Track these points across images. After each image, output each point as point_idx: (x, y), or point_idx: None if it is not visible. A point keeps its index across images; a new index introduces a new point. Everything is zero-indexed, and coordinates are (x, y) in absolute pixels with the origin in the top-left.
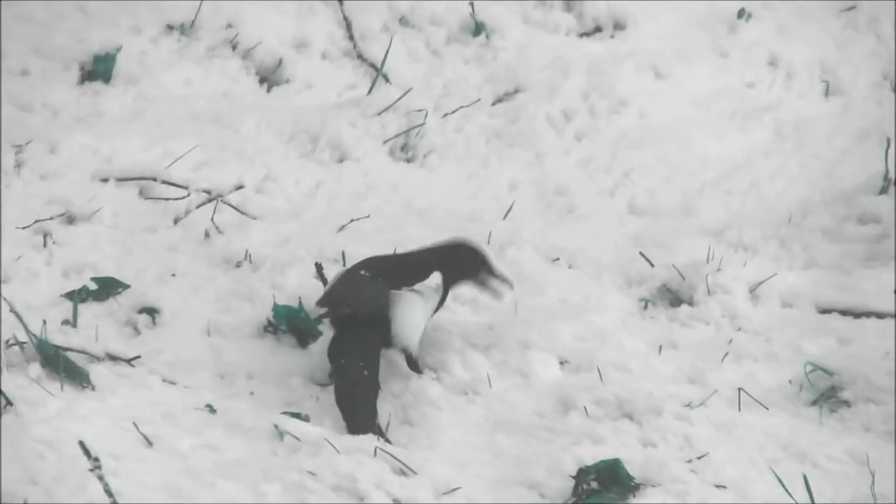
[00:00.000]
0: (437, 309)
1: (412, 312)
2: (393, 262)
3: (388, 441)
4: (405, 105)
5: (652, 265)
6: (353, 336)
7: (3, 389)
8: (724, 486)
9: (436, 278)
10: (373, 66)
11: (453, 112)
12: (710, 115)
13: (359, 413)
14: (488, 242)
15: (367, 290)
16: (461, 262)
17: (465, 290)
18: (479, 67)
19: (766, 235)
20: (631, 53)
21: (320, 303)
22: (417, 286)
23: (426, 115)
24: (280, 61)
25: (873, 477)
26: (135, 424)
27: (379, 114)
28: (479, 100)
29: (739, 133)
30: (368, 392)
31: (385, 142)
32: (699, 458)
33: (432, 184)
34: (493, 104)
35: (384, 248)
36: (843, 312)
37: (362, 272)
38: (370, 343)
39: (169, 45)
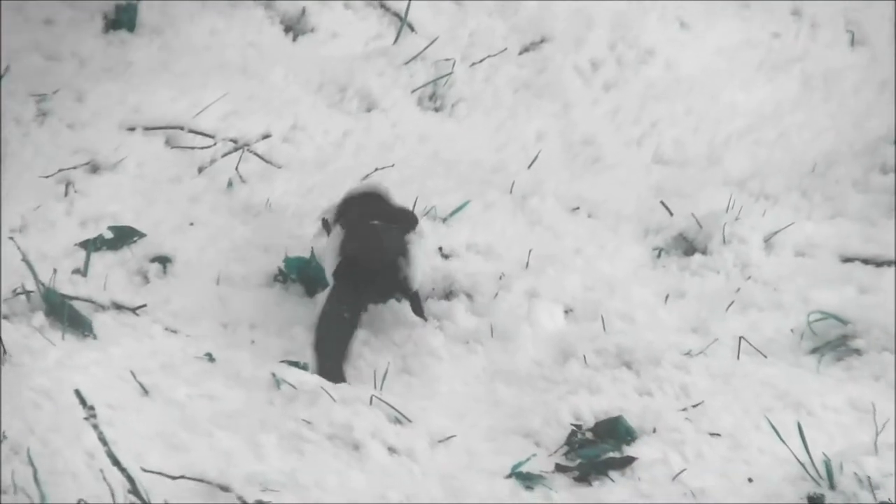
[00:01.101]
0: None
1: (419, 253)
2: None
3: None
4: (432, 55)
5: (671, 214)
6: (348, 284)
7: (4, 339)
8: (718, 435)
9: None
10: (396, 15)
11: (481, 61)
12: (736, 65)
13: (327, 357)
14: (511, 192)
15: (386, 244)
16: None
17: (480, 238)
18: (502, 19)
19: (789, 185)
20: (654, 5)
21: (340, 271)
22: (417, 230)
23: (454, 64)
24: (303, 10)
25: (878, 425)
26: (132, 374)
27: (406, 63)
28: (505, 49)
29: (767, 84)
30: (343, 337)
31: (413, 91)
32: (694, 406)
33: (460, 135)
34: (520, 54)
35: (407, 200)
36: (865, 261)
37: (374, 222)
38: (364, 291)
39: None
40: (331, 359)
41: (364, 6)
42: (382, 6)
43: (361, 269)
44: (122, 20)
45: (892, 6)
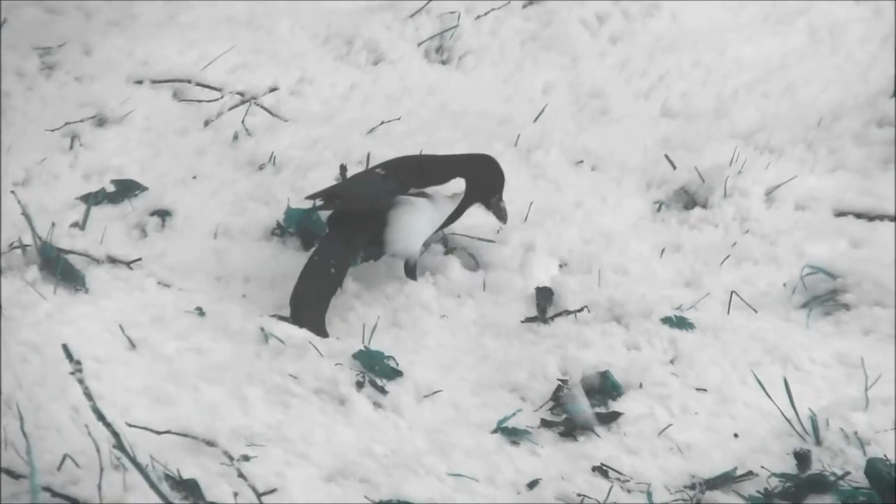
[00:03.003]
0: (451, 219)
1: (414, 219)
2: (416, 162)
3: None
4: (437, 8)
5: (674, 167)
6: (338, 234)
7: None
8: (704, 390)
9: (456, 185)
10: None
11: (486, 14)
12: (743, 18)
13: (306, 308)
14: (516, 145)
15: (366, 189)
16: (483, 178)
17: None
18: None
19: (795, 138)
20: None
21: (312, 196)
22: (430, 190)
23: (458, 17)
24: None
25: (868, 379)
26: (120, 327)
27: (412, 16)
28: (508, 2)
29: (773, 37)
30: (325, 289)
31: (420, 44)
32: (672, 360)
33: (467, 87)
34: (524, 7)
35: (413, 151)
36: (858, 215)
37: (378, 171)
38: (353, 242)
39: None
40: (311, 309)
41: None
42: None
43: (326, 206)
44: None
45: None
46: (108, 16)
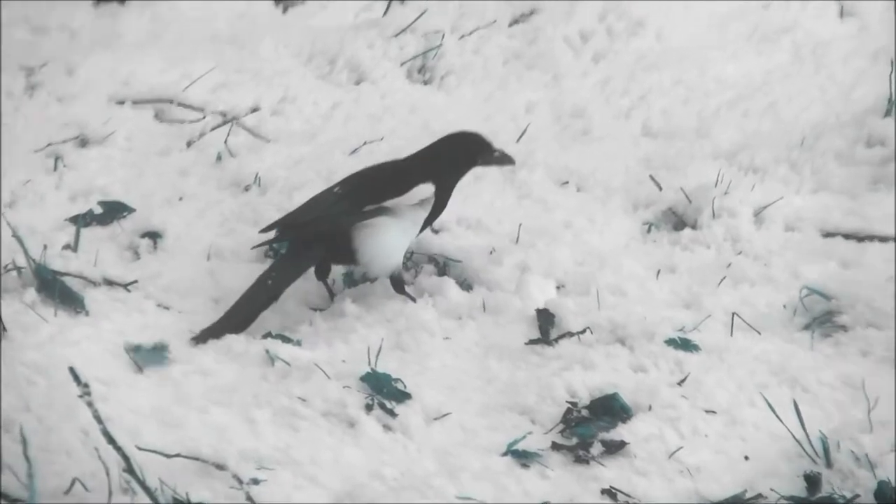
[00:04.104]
0: (430, 220)
1: (381, 239)
2: (374, 174)
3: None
4: (422, 26)
5: (660, 188)
6: (292, 250)
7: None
8: (713, 412)
9: (422, 191)
10: None
11: (470, 33)
12: (726, 36)
13: (233, 312)
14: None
15: (315, 214)
16: (463, 151)
17: (470, 212)
18: None
19: (778, 158)
20: None
21: (270, 227)
22: (390, 203)
23: (443, 36)
24: None
25: (870, 402)
26: (126, 350)
27: (396, 35)
28: (495, 21)
29: (757, 55)
30: (257, 298)
31: (402, 63)
32: (681, 381)
33: (449, 106)
34: (510, 25)
35: None
36: (847, 236)
37: (335, 189)
38: (303, 258)
39: None
40: (235, 318)
41: None
42: None
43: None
44: None
45: None
46: (92, 35)
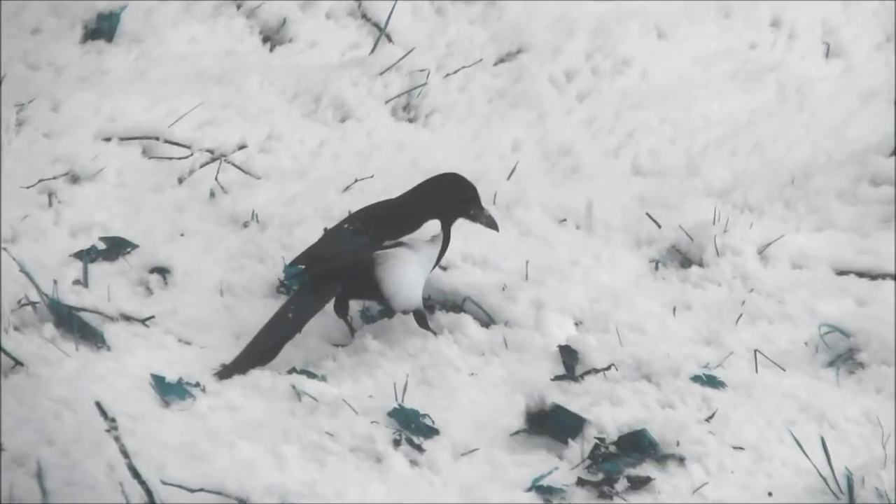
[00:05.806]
0: (439, 257)
1: (404, 271)
2: (381, 212)
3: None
4: (408, 65)
5: (659, 226)
6: (311, 284)
7: (17, 350)
8: (741, 448)
9: (432, 227)
10: (376, 25)
11: (455, 72)
12: (712, 75)
13: (255, 344)
14: (493, 203)
15: (342, 246)
16: (457, 195)
17: (474, 249)
18: (483, 27)
19: (772, 197)
20: (635, 12)
21: (295, 262)
22: (407, 239)
23: (428, 74)
24: (284, 20)
25: (884, 437)
26: (151, 385)
27: (381, 73)
28: (481, 60)
29: (742, 94)
30: (279, 330)
31: (387, 101)
32: (709, 417)
33: (436, 144)
34: (496, 64)
35: None
36: (860, 274)
37: (346, 226)
38: (323, 291)
39: (175, 2)
40: (257, 349)
41: (345, 15)
42: (364, 17)
43: (314, 271)
44: (102, 29)
45: (872, 16)
46: (78, 71)
